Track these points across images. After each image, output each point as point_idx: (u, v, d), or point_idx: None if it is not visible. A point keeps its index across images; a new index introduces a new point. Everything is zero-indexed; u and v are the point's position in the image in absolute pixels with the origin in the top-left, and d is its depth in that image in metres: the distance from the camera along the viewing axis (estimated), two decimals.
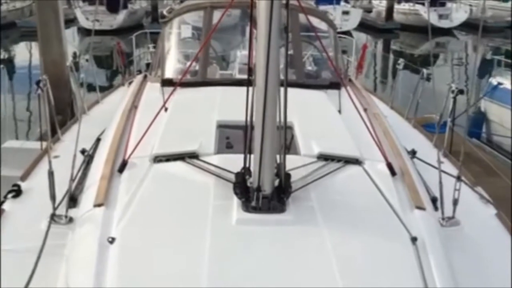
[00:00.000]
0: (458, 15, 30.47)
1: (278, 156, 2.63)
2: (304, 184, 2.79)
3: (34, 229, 2.84)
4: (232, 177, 2.70)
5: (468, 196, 3.46)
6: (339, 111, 4.02)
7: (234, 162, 2.75)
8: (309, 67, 5.90)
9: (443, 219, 2.95)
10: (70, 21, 25.94)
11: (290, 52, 4.61)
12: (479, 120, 9.92)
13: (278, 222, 2.51)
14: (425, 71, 5.63)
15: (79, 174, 3.47)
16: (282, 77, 2.62)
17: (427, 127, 5.92)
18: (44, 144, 4.39)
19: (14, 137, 9.73)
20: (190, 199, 2.76)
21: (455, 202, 2.95)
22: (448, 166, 3.98)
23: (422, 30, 24.56)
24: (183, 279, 2.19)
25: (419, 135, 5.22)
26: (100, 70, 15.27)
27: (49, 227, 2.73)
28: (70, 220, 2.90)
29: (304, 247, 2.40)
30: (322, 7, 22.65)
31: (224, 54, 6.17)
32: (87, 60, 11.91)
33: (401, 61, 6.55)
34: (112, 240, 2.41)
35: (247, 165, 2.65)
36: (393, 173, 3.11)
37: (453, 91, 4.45)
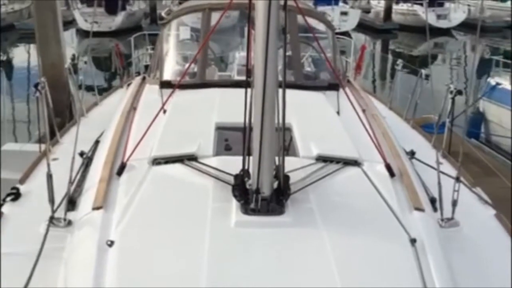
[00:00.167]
0: (457, 15, 30.51)
1: (276, 158, 2.63)
2: (303, 186, 2.78)
3: (33, 232, 2.83)
4: (231, 179, 2.69)
5: (467, 197, 3.46)
6: (338, 112, 4.02)
7: (233, 164, 2.75)
8: (308, 68, 5.90)
9: (442, 220, 2.95)
10: (69, 23, 25.95)
11: (289, 53, 4.61)
12: (477, 120, 9.93)
13: (277, 224, 2.51)
14: (423, 71, 5.63)
15: (78, 176, 3.46)
16: (280, 78, 2.62)
17: (425, 128, 5.92)
18: (43, 146, 4.38)
19: (13, 139, 9.73)
20: (189, 201, 2.76)
21: (454, 203, 2.95)
22: (447, 167, 3.98)
23: (420, 30, 24.50)
24: (182, 282, 2.18)
25: (417, 135, 5.22)
26: (99, 72, 15.26)
27: (47, 230, 2.73)
28: (69, 223, 2.89)
29: (303, 249, 2.40)
30: (320, 8, 22.70)
31: (222, 56, 6.17)
32: (85, 62, 11.90)
33: (399, 61, 6.56)
34: (111, 243, 2.40)
35: (246, 167, 2.65)
36: (392, 174, 3.11)
37: (451, 92, 4.45)
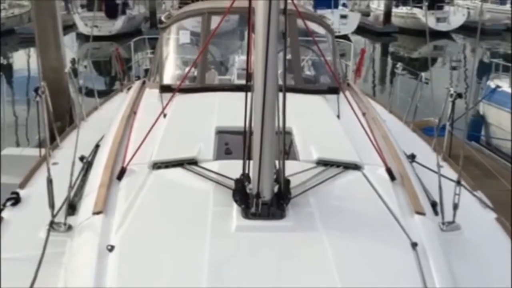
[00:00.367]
0: (456, 18, 30.54)
1: (277, 162, 2.63)
2: (303, 190, 2.78)
3: (33, 237, 2.83)
4: (231, 183, 2.69)
5: (468, 200, 3.46)
6: (338, 116, 4.02)
7: (233, 168, 2.75)
8: (308, 72, 5.90)
9: (443, 223, 2.94)
10: (69, 27, 25.98)
11: (289, 57, 4.62)
12: (478, 123, 9.94)
13: (277, 228, 2.50)
14: (423, 74, 5.63)
15: (78, 181, 3.46)
16: (280, 82, 2.62)
17: (426, 131, 5.92)
18: (43, 151, 4.38)
19: (13, 144, 9.72)
20: (189, 205, 2.75)
21: (455, 206, 2.94)
22: (447, 170, 3.97)
23: (420, 33, 24.60)
24: (183, 286, 2.18)
25: (418, 139, 5.21)
26: (99, 76, 15.27)
27: (48, 235, 2.72)
28: (69, 227, 2.89)
29: (304, 253, 2.39)
30: (320, 11, 22.71)
31: (222, 60, 6.17)
32: (85, 66, 11.90)
33: (399, 65, 6.56)
34: (111, 248, 2.40)
35: (246, 171, 2.64)
36: (392, 178, 3.10)
37: (451, 95, 4.45)
